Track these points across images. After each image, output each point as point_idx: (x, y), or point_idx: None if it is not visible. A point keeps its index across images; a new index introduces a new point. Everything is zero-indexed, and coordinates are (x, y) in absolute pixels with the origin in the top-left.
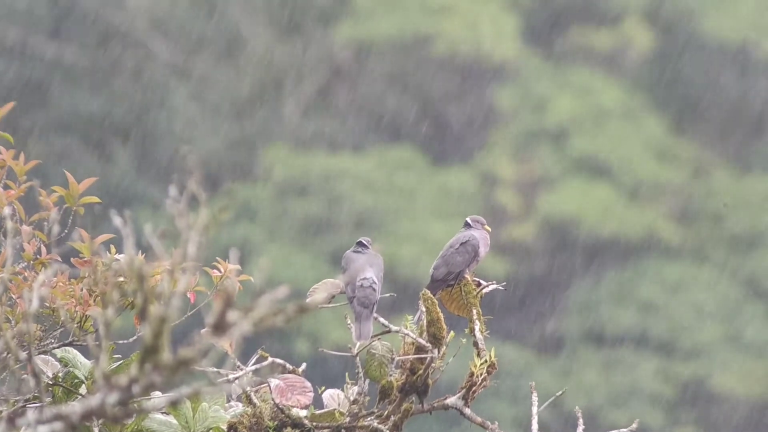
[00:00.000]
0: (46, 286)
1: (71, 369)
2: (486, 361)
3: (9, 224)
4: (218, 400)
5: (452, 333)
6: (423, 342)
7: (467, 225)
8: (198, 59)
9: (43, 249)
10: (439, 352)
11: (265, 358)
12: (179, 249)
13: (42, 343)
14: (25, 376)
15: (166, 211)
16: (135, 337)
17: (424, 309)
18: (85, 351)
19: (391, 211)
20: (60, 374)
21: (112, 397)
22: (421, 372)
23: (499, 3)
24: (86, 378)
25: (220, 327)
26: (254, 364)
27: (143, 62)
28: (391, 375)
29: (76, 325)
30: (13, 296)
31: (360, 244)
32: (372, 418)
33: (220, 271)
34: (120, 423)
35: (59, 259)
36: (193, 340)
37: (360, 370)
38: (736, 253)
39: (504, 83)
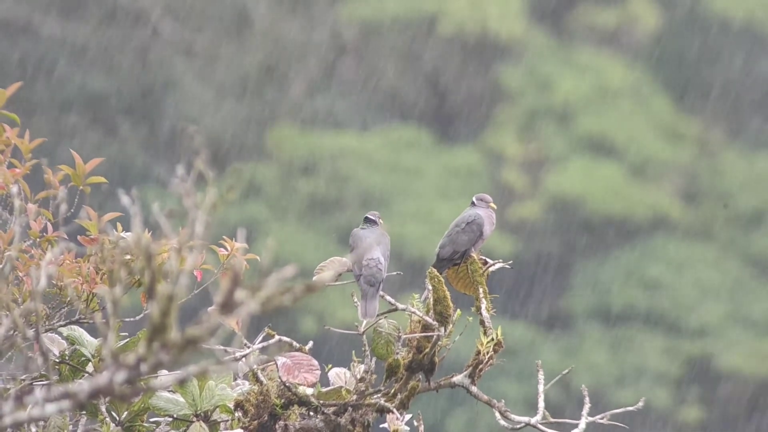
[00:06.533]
0: (53, 264)
1: (78, 347)
2: (492, 339)
3: (16, 202)
4: (225, 379)
5: (459, 311)
6: (429, 320)
7: (473, 204)
8: (204, 37)
9: (50, 227)
10: (445, 331)
11: (272, 337)
12: (186, 228)
13: (48, 322)
14: (33, 354)
15: (173, 190)
16: (142, 315)
17: (430, 287)
18: (91, 329)
19: (397, 189)
20: (66, 352)
21: (120, 376)
22: (427, 350)
23: None
24: (93, 356)
25: (228, 306)
26: (261, 342)
27: (149, 40)
28: (397, 353)
29: (82, 304)
30: (20, 274)
31: (367, 220)
32: (378, 396)
33: (226, 250)
34: (127, 401)
35: (66, 237)
36: (201, 319)
37: (366, 348)
38: (742, 231)
39: (510, 62)
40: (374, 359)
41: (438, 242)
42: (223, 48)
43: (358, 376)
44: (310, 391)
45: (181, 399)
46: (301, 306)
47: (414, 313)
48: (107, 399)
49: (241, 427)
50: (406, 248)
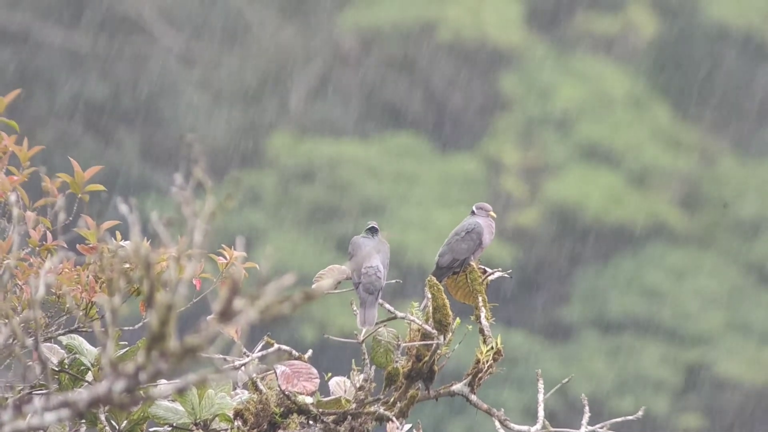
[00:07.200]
0: (52, 272)
1: (77, 356)
2: (492, 348)
3: (15, 210)
4: (224, 387)
5: (458, 320)
6: (429, 328)
7: (473, 213)
8: (203, 46)
9: (49, 235)
10: (444, 339)
11: (272, 345)
12: (185, 236)
13: (47, 330)
14: (31, 363)
15: (171, 199)
16: (141, 324)
17: (429, 295)
18: (90, 338)
19: (396, 197)
20: (66, 361)
21: (119, 384)
22: (427, 358)
23: None
24: (92, 365)
25: (227, 314)
26: (260, 350)
27: (148, 48)
28: (397, 361)
29: (81, 312)
30: (19, 283)
31: (371, 229)
32: (378, 404)
33: (225, 258)
34: (126, 410)
35: (65, 245)
36: (200, 328)
37: (366, 356)
38: (741, 239)
39: (509, 69)
40: (373, 368)
41: (437, 250)
42: (222, 56)
43: (358, 385)
44: (309, 399)
45: (181, 408)
46: (301, 314)
47: (413, 321)
48: (106, 408)
49: None
50: (406, 256)
